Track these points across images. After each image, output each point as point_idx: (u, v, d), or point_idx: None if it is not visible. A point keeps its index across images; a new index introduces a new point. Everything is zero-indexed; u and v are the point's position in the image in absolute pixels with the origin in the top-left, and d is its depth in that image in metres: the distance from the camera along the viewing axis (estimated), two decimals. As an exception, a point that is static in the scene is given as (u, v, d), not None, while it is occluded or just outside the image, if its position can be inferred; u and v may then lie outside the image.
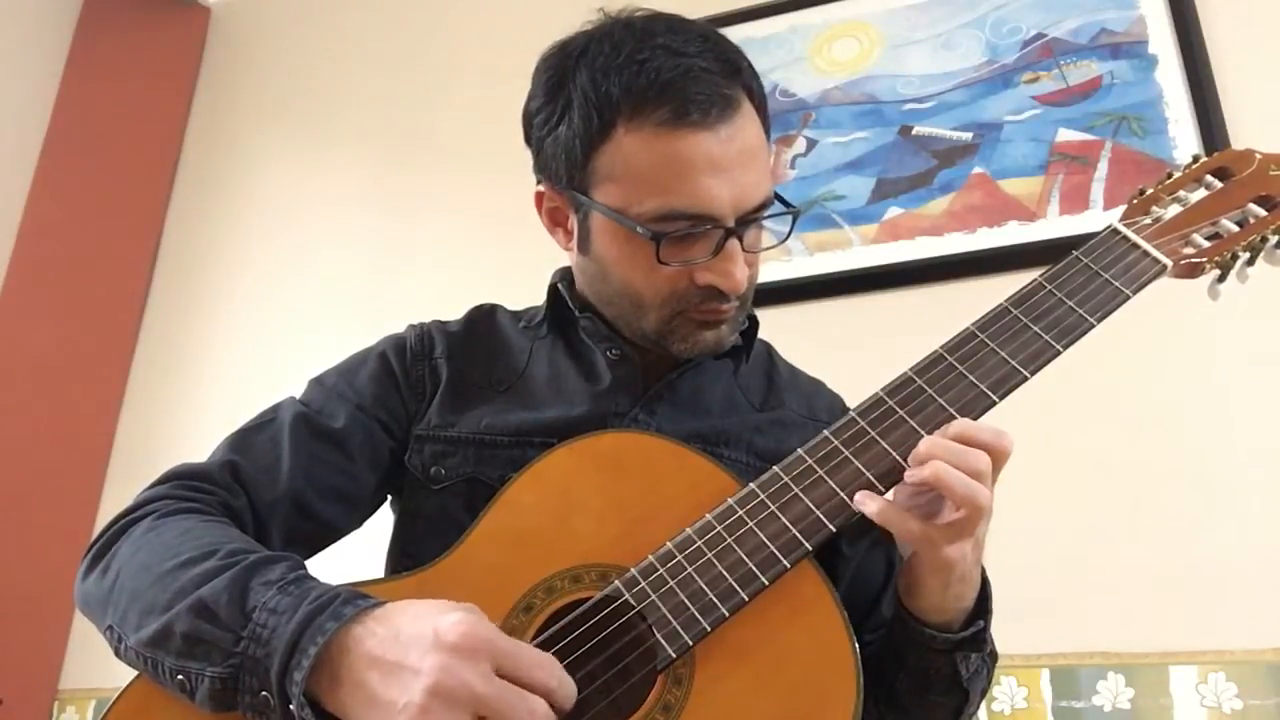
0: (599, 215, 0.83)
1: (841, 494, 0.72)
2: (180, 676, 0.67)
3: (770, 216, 0.84)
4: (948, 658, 0.77)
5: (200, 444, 0.88)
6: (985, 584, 0.78)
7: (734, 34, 0.88)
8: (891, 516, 0.70)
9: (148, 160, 2.45)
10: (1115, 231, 0.81)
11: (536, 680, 0.62)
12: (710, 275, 0.82)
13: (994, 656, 0.82)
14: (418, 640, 0.62)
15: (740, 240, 0.82)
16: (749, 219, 0.82)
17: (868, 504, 0.70)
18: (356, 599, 0.66)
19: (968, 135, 1.79)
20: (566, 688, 0.64)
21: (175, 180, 2.47)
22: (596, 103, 0.80)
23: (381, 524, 0.94)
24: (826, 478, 0.73)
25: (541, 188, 0.90)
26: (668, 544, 0.72)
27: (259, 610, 0.66)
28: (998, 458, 0.70)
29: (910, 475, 0.70)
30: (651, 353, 0.90)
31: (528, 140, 0.90)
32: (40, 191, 2.36)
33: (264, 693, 0.64)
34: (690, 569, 0.71)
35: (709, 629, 0.69)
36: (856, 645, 0.69)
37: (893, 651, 0.80)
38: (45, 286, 2.28)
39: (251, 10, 2.60)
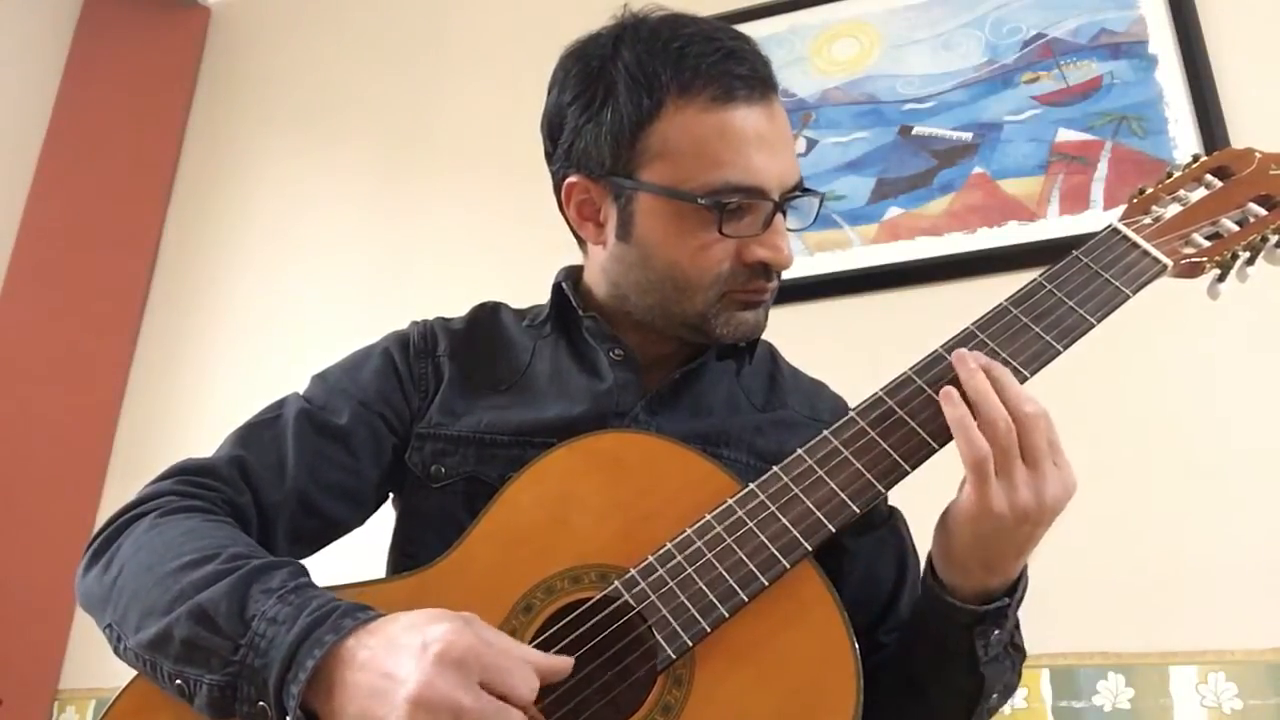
0: (646, 196, 0.83)
1: (842, 495, 0.72)
2: (179, 681, 0.67)
3: (804, 195, 0.87)
4: (965, 633, 0.75)
5: (200, 444, 0.88)
6: (1022, 578, 0.78)
7: (734, 34, 0.91)
8: (965, 423, 0.70)
9: (147, 160, 2.45)
10: (1115, 231, 0.81)
11: (519, 695, 0.62)
12: (761, 250, 0.83)
13: (1020, 651, 0.81)
14: (405, 651, 0.62)
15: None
16: (789, 196, 0.84)
17: (949, 406, 0.71)
18: (356, 611, 0.66)
19: (968, 135, 1.79)
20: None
21: (175, 180, 2.47)
22: (645, 83, 0.82)
23: (382, 523, 0.94)
24: (827, 478, 0.73)
25: (573, 179, 0.88)
26: (667, 544, 0.72)
27: (258, 619, 0.66)
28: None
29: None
30: (654, 353, 0.91)
31: (554, 137, 0.90)
32: (40, 191, 2.36)
33: (261, 702, 0.64)
34: (690, 569, 0.71)
35: (709, 629, 0.69)
36: (856, 645, 0.68)
37: (914, 624, 0.81)
38: (45, 286, 2.28)
39: (251, 10, 2.60)
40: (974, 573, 0.74)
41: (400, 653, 0.62)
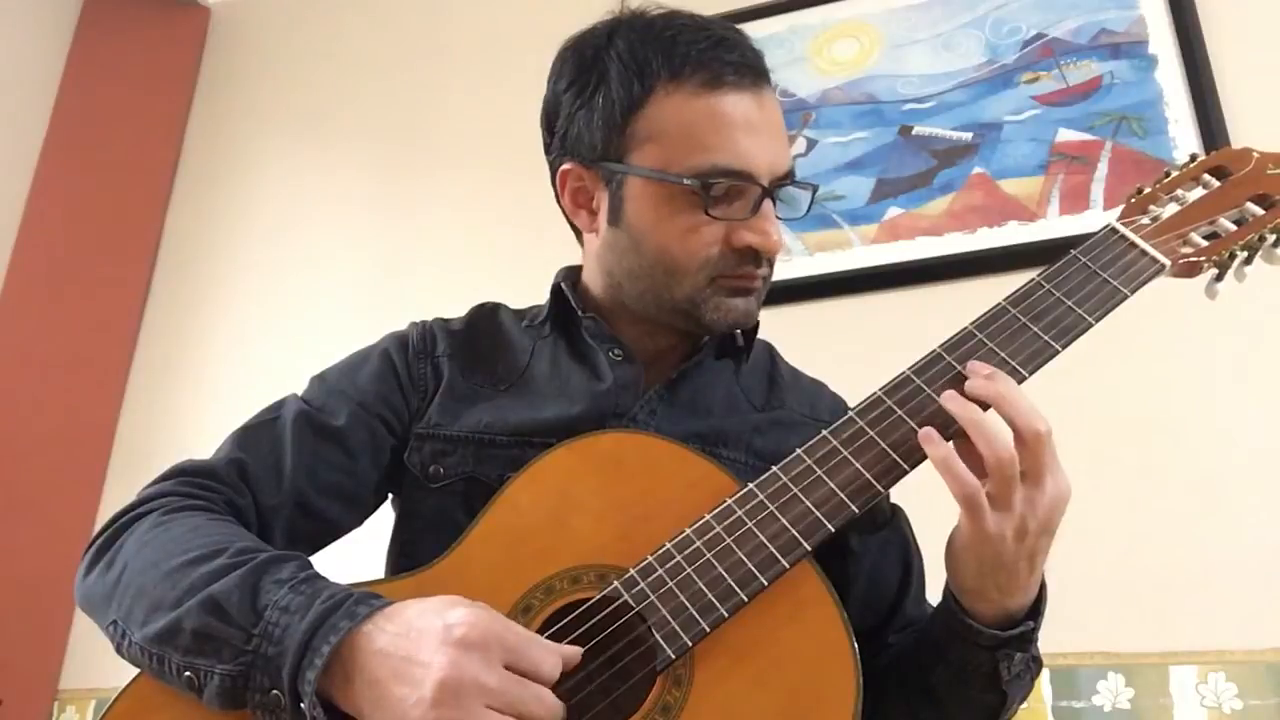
0: (636, 180, 0.84)
1: (841, 494, 0.72)
2: (188, 673, 0.67)
3: (794, 184, 0.87)
4: (988, 655, 0.75)
5: (200, 444, 0.88)
6: (1042, 592, 0.77)
7: (733, 34, 0.92)
8: (949, 462, 0.69)
9: (148, 161, 2.45)
10: (1113, 231, 0.81)
11: (544, 672, 0.63)
12: (750, 235, 0.83)
13: (1038, 663, 0.81)
14: (427, 635, 0.62)
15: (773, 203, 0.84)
16: (779, 184, 0.84)
17: (931, 447, 0.70)
18: (370, 598, 0.67)
19: (968, 135, 1.79)
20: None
21: (175, 180, 2.47)
22: (636, 69, 0.83)
23: (382, 524, 0.94)
24: (826, 478, 0.73)
25: (567, 166, 0.89)
26: (666, 544, 0.72)
27: (271, 608, 0.66)
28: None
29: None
30: (653, 349, 0.91)
31: (550, 126, 0.91)
32: (40, 191, 2.36)
33: (275, 691, 0.65)
34: (689, 570, 0.71)
35: (708, 630, 0.69)
36: (856, 645, 0.68)
37: (933, 642, 0.80)
38: (45, 286, 2.28)
39: (251, 10, 2.60)
40: (989, 595, 0.74)
41: (422, 637, 0.62)
